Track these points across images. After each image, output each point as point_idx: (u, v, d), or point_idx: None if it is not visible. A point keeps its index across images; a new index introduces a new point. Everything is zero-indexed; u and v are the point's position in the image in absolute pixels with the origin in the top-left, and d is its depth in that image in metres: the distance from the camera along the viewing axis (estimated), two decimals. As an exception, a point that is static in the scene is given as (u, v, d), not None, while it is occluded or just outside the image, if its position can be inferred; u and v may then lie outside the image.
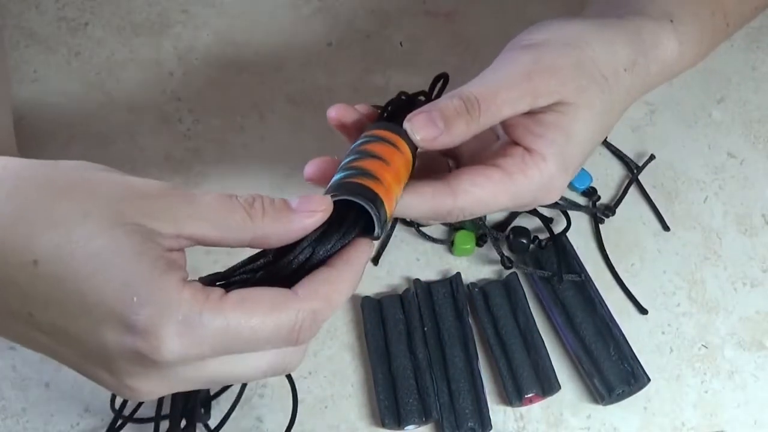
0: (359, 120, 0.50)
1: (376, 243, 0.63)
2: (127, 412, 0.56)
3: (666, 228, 0.67)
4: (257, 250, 0.43)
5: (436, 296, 0.63)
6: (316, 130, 0.70)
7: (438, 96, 0.54)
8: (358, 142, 0.48)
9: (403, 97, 0.52)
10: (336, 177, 0.45)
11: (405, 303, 0.62)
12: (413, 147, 0.48)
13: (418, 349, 0.60)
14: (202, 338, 0.39)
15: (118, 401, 0.56)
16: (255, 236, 0.41)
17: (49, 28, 0.73)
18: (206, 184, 0.67)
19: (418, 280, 0.64)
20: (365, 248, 0.44)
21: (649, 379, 0.60)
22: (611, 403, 0.60)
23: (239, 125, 0.70)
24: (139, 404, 0.55)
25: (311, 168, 0.48)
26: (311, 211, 0.42)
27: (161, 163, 0.68)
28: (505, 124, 0.51)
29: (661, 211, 0.68)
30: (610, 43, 0.52)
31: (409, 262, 0.65)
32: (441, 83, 0.54)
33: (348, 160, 0.46)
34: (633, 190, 0.69)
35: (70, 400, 0.58)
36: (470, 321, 0.62)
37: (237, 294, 0.40)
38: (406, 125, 0.47)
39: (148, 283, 0.39)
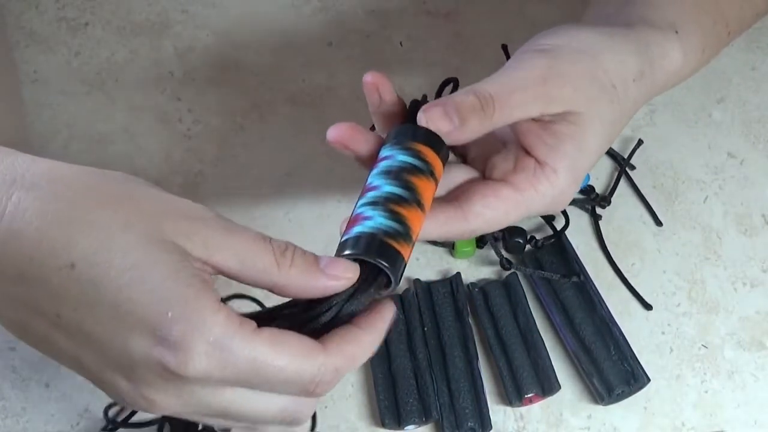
0: (369, 146, 0.50)
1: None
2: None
3: (659, 223, 0.67)
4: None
5: (436, 296, 0.63)
6: (316, 130, 0.70)
7: None
8: (397, 152, 0.47)
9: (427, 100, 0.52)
10: (370, 208, 0.45)
11: (405, 303, 0.62)
12: (445, 158, 0.48)
13: (418, 349, 0.60)
14: (228, 363, 0.40)
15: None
16: (276, 283, 0.42)
17: (49, 28, 0.73)
18: (206, 184, 0.67)
19: (418, 280, 0.64)
20: (389, 312, 0.45)
21: (649, 379, 0.60)
22: (611, 403, 0.60)
23: (239, 125, 0.70)
24: (132, 413, 0.56)
25: (335, 132, 0.49)
26: (337, 276, 0.43)
27: (161, 163, 0.68)
28: (516, 131, 0.51)
29: (660, 211, 0.68)
30: (620, 53, 0.52)
31: (409, 262, 0.65)
32: (451, 86, 0.54)
33: (389, 186, 0.46)
34: (630, 189, 0.68)
35: (70, 400, 0.58)
36: (470, 321, 0.62)
37: (269, 331, 0.41)
38: (421, 116, 0.47)
39: (184, 301, 0.39)
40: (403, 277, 0.63)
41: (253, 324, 0.41)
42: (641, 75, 0.53)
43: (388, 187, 0.46)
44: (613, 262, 0.65)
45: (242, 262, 0.41)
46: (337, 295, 0.43)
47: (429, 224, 0.49)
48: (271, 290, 0.43)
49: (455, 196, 0.51)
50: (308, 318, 0.43)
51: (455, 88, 0.54)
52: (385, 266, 0.44)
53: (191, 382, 0.40)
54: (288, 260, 0.42)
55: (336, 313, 0.43)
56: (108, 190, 0.42)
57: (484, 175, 0.52)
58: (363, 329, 0.44)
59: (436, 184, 0.48)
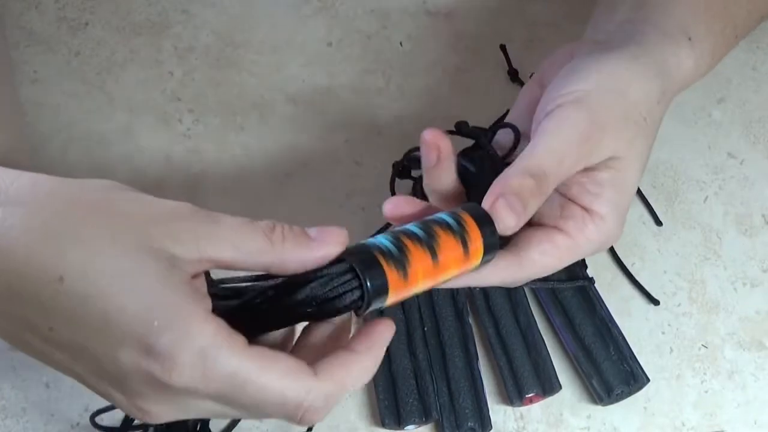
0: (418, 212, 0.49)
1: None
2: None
3: (659, 223, 0.67)
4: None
5: (436, 296, 0.63)
6: (316, 130, 0.70)
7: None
8: (443, 214, 0.47)
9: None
10: (381, 235, 0.45)
11: (405, 303, 0.62)
12: (492, 247, 0.47)
13: (418, 349, 0.60)
14: (212, 375, 0.39)
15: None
16: (274, 261, 0.42)
17: (49, 28, 0.73)
18: (206, 184, 0.67)
19: (418, 280, 0.64)
20: (387, 332, 0.44)
21: (648, 379, 0.60)
22: (611, 403, 0.60)
23: (239, 125, 0.70)
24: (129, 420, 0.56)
25: (391, 207, 0.48)
26: (329, 241, 0.43)
27: (161, 163, 0.68)
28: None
29: (660, 211, 0.68)
30: (646, 80, 0.53)
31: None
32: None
33: (409, 226, 0.45)
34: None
35: (70, 400, 0.58)
36: (470, 321, 0.62)
37: (259, 348, 0.40)
38: (491, 212, 0.47)
39: (171, 309, 0.39)
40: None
41: (243, 339, 0.40)
42: (663, 94, 0.54)
43: (412, 227, 0.45)
44: (618, 258, 0.65)
45: (236, 249, 0.41)
46: (312, 273, 0.42)
47: (489, 271, 0.48)
48: (269, 270, 0.42)
49: (510, 243, 0.51)
50: (286, 298, 0.42)
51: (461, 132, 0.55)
52: (361, 275, 0.42)
53: (179, 391, 0.40)
54: (279, 237, 0.42)
55: (310, 299, 0.42)
56: (91, 202, 0.42)
57: (531, 222, 0.51)
58: (356, 352, 0.43)
59: (465, 255, 0.46)
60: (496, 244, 0.47)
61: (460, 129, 0.55)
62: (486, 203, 0.47)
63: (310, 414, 0.41)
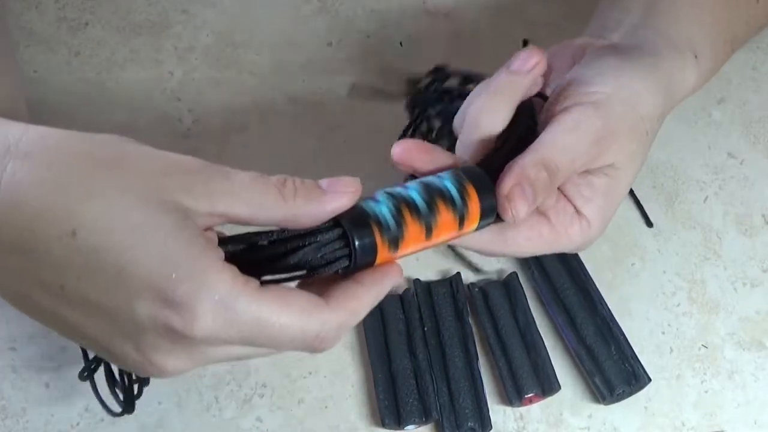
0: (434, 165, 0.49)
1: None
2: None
3: (649, 224, 0.67)
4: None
5: (436, 296, 0.63)
6: (316, 130, 0.70)
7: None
8: (451, 180, 0.47)
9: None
10: (386, 196, 0.45)
11: (405, 303, 0.62)
12: (486, 224, 0.48)
13: (418, 349, 0.60)
14: (234, 322, 0.40)
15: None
16: (286, 215, 0.42)
17: (49, 28, 0.73)
18: (206, 184, 0.67)
19: (418, 280, 0.64)
20: (395, 275, 0.45)
21: (649, 379, 0.60)
22: (612, 402, 0.60)
23: (239, 125, 0.70)
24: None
25: (400, 150, 0.48)
26: (341, 192, 0.43)
27: (161, 163, 0.67)
28: None
29: (660, 211, 0.68)
30: (655, 94, 0.53)
31: (408, 261, 0.65)
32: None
33: (417, 195, 0.45)
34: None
35: (70, 400, 0.58)
36: (470, 321, 0.62)
37: (274, 290, 0.41)
38: (502, 200, 0.47)
39: (188, 260, 0.39)
40: (403, 277, 0.64)
41: (257, 282, 0.41)
42: (663, 110, 0.54)
43: (416, 195, 0.45)
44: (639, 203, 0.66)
45: (248, 204, 0.41)
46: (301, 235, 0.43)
47: (473, 236, 0.49)
48: (281, 225, 0.42)
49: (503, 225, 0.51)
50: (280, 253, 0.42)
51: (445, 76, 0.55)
52: (353, 243, 0.43)
53: (198, 342, 0.40)
54: (291, 191, 0.42)
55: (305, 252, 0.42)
56: (102, 154, 0.42)
57: None
58: (364, 285, 0.44)
59: (459, 231, 0.47)
60: (491, 221, 0.48)
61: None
62: (503, 188, 0.47)
63: (326, 343, 0.42)
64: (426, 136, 0.63)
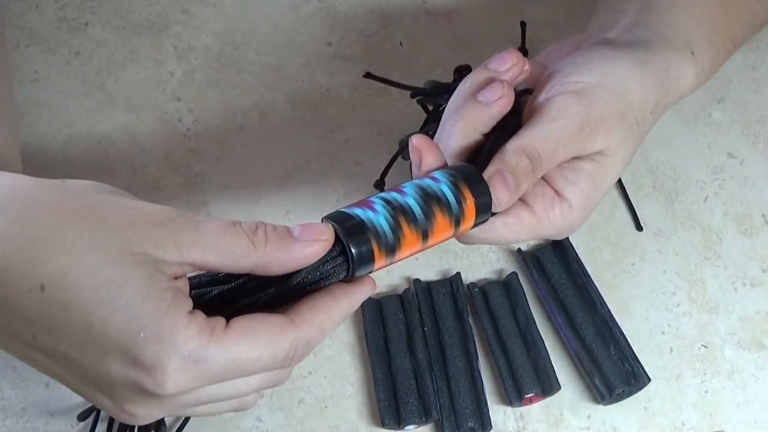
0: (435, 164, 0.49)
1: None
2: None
3: (639, 228, 0.67)
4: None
5: (436, 296, 0.63)
6: (316, 130, 0.70)
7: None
8: (447, 182, 0.47)
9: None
10: (383, 204, 0.45)
11: (405, 303, 0.62)
12: (480, 224, 0.48)
13: (418, 349, 0.60)
14: (205, 372, 0.40)
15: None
16: (257, 263, 0.42)
17: (49, 28, 0.73)
18: (206, 184, 0.67)
19: (417, 280, 0.64)
20: (368, 287, 0.45)
21: (649, 379, 0.60)
22: (611, 402, 0.60)
23: (239, 125, 0.70)
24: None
25: (418, 140, 0.48)
26: (313, 241, 0.42)
27: (161, 163, 0.68)
28: None
29: (660, 211, 0.68)
30: (645, 86, 0.53)
31: (408, 261, 0.65)
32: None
33: (414, 202, 0.45)
34: (631, 188, 0.69)
35: (70, 400, 0.58)
36: (470, 321, 0.62)
37: (239, 325, 0.41)
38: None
39: (155, 319, 0.39)
40: (403, 277, 0.64)
41: (222, 323, 0.41)
42: (657, 105, 0.54)
43: (413, 202, 0.45)
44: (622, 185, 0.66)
45: (218, 253, 0.41)
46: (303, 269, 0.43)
47: None
48: (253, 272, 0.42)
49: None
50: (280, 291, 0.43)
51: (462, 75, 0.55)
52: (351, 255, 0.43)
53: (172, 396, 0.40)
54: (262, 238, 0.42)
55: (303, 285, 0.43)
56: (72, 206, 0.41)
57: None
58: (334, 296, 0.44)
59: (453, 233, 0.47)
60: (487, 218, 0.49)
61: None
62: (483, 175, 0.48)
63: (297, 358, 0.42)
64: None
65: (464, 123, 0.50)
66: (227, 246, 0.41)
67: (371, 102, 0.70)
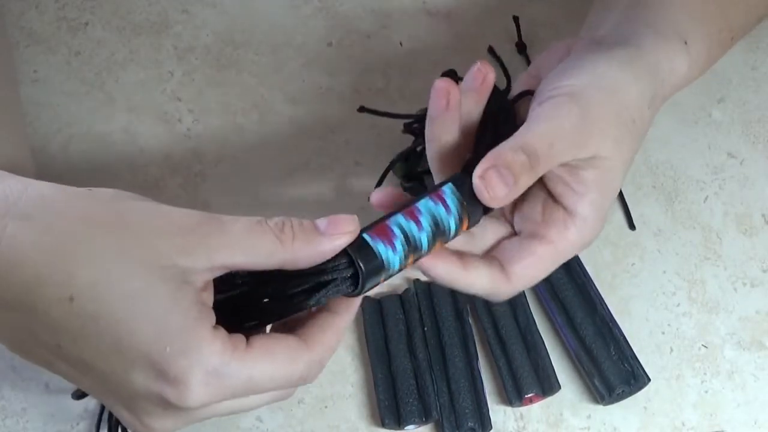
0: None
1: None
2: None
3: (632, 227, 0.67)
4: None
5: (436, 296, 0.63)
6: (316, 130, 0.70)
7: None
8: (454, 211, 0.48)
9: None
10: (401, 243, 0.45)
11: (405, 303, 0.62)
12: (474, 222, 0.49)
13: (418, 349, 0.60)
14: (227, 387, 0.41)
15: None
16: (285, 260, 0.42)
17: (49, 28, 0.73)
18: (206, 184, 0.67)
19: (418, 280, 0.64)
20: (359, 298, 0.46)
21: (649, 379, 0.60)
22: (611, 402, 0.60)
23: (239, 125, 0.70)
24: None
25: (378, 197, 0.49)
26: (339, 233, 0.43)
27: (161, 163, 0.68)
28: (545, 177, 0.51)
29: (660, 211, 0.68)
30: (639, 82, 0.53)
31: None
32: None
33: (425, 242, 0.46)
34: (630, 188, 0.68)
35: (70, 400, 0.58)
36: (470, 321, 0.62)
37: (260, 344, 0.42)
38: (479, 183, 0.47)
39: (182, 333, 0.40)
40: (403, 277, 0.64)
41: (243, 339, 0.42)
42: (653, 98, 0.54)
43: (424, 240, 0.46)
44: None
45: (246, 253, 0.42)
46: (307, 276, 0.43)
47: (478, 283, 0.49)
48: (281, 268, 0.43)
49: (494, 257, 0.51)
50: (287, 302, 0.44)
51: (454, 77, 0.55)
52: (362, 287, 0.44)
53: (192, 409, 0.41)
54: (289, 235, 0.42)
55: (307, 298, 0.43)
56: (100, 216, 0.42)
57: (513, 226, 0.53)
58: (338, 314, 0.45)
59: (442, 247, 0.49)
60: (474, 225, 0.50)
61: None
62: (477, 171, 0.47)
63: (309, 378, 0.44)
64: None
65: (453, 114, 0.51)
66: (255, 246, 0.42)
67: (371, 102, 0.70)
